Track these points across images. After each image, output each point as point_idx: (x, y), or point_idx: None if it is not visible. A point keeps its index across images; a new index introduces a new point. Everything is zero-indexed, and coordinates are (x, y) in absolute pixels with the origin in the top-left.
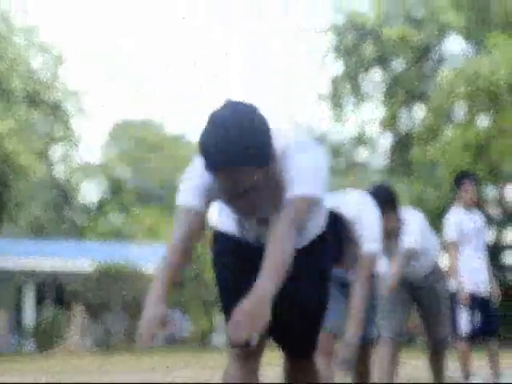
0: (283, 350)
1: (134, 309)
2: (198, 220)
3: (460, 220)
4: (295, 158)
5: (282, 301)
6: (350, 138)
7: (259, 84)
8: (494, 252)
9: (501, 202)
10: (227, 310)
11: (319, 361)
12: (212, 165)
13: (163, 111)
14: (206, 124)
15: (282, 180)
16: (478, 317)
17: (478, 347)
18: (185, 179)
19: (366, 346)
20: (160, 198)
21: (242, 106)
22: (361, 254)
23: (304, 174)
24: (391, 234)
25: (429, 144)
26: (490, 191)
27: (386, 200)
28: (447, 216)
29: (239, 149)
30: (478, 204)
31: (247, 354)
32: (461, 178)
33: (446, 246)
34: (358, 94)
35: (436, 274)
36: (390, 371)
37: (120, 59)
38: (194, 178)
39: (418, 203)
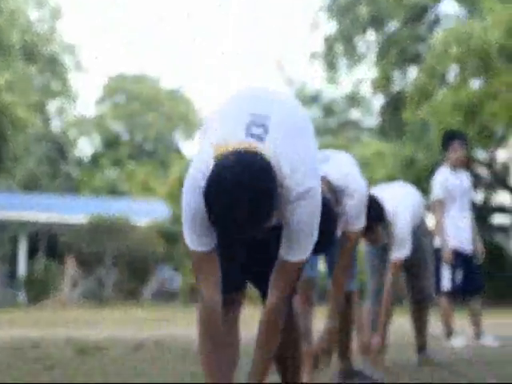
0: (263, 296)
1: (126, 262)
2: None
3: (446, 179)
4: (297, 212)
5: (260, 243)
6: (343, 97)
7: (252, 38)
8: (483, 213)
9: (491, 164)
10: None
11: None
12: (220, 230)
13: (158, 65)
14: (214, 178)
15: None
16: (460, 274)
17: (462, 306)
18: (188, 216)
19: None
20: (154, 153)
21: (254, 168)
22: (346, 231)
23: (303, 240)
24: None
25: (420, 105)
26: (481, 153)
27: (373, 218)
28: (435, 176)
29: (252, 223)
30: (468, 165)
31: (229, 301)
32: (449, 137)
33: (432, 205)
34: (353, 55)
35: (423, 228)
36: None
37: (114, 12)
38: (197, 216)
39: (410, 164)
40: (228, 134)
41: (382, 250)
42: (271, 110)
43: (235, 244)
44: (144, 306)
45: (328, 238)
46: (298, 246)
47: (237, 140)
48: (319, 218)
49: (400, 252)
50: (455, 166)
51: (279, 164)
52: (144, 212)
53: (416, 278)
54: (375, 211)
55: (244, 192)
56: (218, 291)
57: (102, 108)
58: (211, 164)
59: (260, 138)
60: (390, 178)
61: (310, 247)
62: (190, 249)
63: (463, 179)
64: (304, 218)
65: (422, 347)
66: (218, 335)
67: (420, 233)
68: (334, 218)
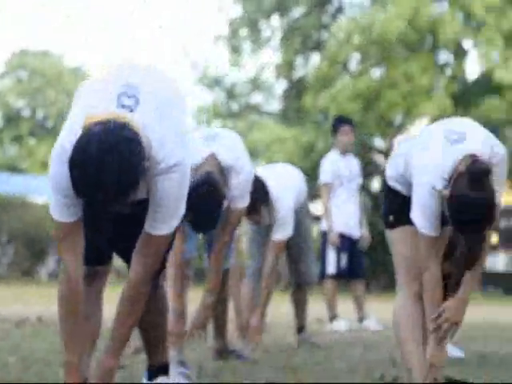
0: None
1: (22, 240)
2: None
3: (334, 163)
4: (164, 185)
5: (127, 217)
6: (246, 81)
7: (159, 21)
8: (379, 201)
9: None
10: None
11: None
12: (85, 200)
13: (61, 42)
14: (80, 147)
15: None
16: (345, 258)
17: (346, 289)
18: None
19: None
20: (55, 130)
21: (120, 140)
22: (229, 208)
23: (168, 214)
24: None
25: (321, 92)
26: (379, 141)
27: (257, 198)
28: (323, 160)
29: (117, 193)
30: (365, 152)
31: (92, 274)
32: (338, 122)
33: (320, 189)
34: (257, 39)
35: (305, 210)
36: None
37: None
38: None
39: (309, 150)
40: (98, 105)
41: (264, 231)
42: (143, 82)
43: (101, 217)
44: (39, 284)
45: (213, 218)
46: (163, 220)
47: (107, 110)
48: (186, 193)
49: (282, 233)
50: (344, 151)
51: (147, 136)
52: (42, 189)
53: (296, 260)
54: (259, 192)
55: (110, 161)
56: (80, 263)
57: (4, 84)
58: (79, 134)
59: (130, 109)
60: (289, 163)
61: (176, 222)
62: (54, 219)
63: (352, 165)
64: (170, 192)
65: (300, 329)
66: (79, 307)
67: (301, 215)
68: (221, 199)
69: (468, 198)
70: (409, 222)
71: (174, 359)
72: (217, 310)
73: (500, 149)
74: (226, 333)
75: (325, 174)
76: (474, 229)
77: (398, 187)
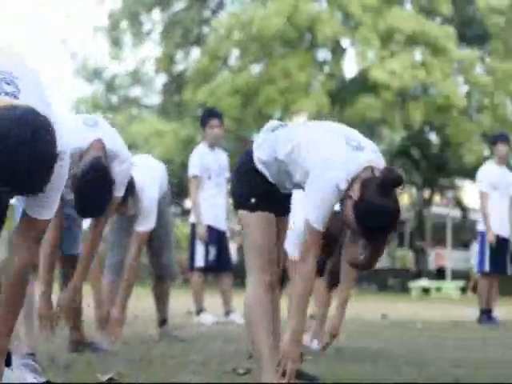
0: None
1: None
2: None
3: (203, 157)
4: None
5: None
6: (126, 74)
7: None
8: None
9: None
10: None
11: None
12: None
13: None
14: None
15: None
16: (214, 251)
17: (213, 282)
18: None
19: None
20: None
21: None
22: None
23: (54, 199)
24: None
25: (201, 87)
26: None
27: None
28: (192, 153)
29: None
30: (243, 147)
31: None
32: (207, 115)
33: (189, 181)
34: (138, 33)
35: (167, 200)
36: None
37: None
38: None
39: (188, 143)
40: None
41: (126, 222)
42: (15, 68)
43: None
44: None
45: (101, 204)
46: (49, 206)
47: None
48: (66, 177)
49: (145, 225)
50: (212, 144)
51: None
52: None
53: (158, 253)
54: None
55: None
56: None
57: None
58: None
59: (14, 96)
60: (168, 157)
61: (56, 206)
62: None
63: (220, 158)
64: (58, 179)
65: (162, 322)
66: None
67: (164, 206)
68: (110, 184)
69: (379, 206)
70: (269, 209)
71: (23, 350)
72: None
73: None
74: (81, 324)
75: (193, 167)
76: (380, 234)
77: (266, 173)
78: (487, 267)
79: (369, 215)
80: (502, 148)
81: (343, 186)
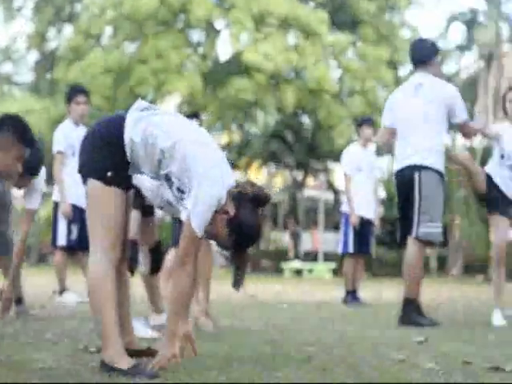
0: None
1: None
2: None
3: (67, 134)
4: None
5: None
6: None
7: None
8: None
9: None
10: None
11: None
12: None
13: None
14: None
15: None
16: (76, 230)
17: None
18: None
19: None
20: None
21: None
22: None
23: None
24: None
25: (73, 65)
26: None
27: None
28: (57, 130)
29: None
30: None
31: None
32: (73, 92)
33: (54, 157)
34: (10, 7)
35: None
36: None
37: None
38: None
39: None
40: None
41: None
42: None
43: None
44: None
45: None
46: None
47: None
48: None
49: (33, 203)
50: (77, 121)
51: None
52: None
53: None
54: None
55: None
56: None
57: None
58: None
59: None
60: (40, 135)
61: None
62: None
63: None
64: None
65: (18, 300)
66: None
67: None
68: None
69: (253, 224)
70: (123, 184)
71: None
72: None
73: None
74: None
75: (58, 143)
76: (247, 247)
77: (128, 151)
78: (351, 248)
79: (243, 231)
80: (366, 130)
81: (223, 201)
